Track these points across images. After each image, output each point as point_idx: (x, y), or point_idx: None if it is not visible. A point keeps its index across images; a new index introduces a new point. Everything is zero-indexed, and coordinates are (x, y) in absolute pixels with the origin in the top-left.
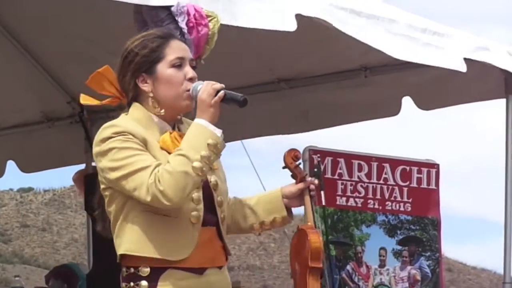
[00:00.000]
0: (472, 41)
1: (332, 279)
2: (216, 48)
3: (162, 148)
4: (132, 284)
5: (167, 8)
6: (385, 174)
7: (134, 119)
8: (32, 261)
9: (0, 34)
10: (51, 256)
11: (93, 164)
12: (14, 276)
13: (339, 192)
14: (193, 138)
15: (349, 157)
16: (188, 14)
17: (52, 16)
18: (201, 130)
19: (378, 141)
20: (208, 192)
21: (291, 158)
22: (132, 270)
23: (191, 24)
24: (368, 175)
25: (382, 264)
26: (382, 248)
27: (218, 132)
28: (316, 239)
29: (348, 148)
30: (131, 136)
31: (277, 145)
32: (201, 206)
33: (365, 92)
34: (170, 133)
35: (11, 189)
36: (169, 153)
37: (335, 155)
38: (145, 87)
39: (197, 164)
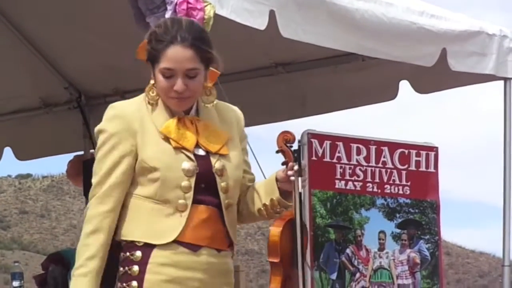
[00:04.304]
0: (469, 24)
1: (332, 262)
2: (211, 33)
3: (162, 132)
4: (126, 268)
5: None
6: (384, 157)
7: (145, 99)
8: (31, 247)
9: None
10: (50, 242)
11: (91, 150)
12: (14, 262)
13: (338, 176)
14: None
15: (348, 141)
16: (179, 2)
17: (49, 2)
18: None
19: (376, 126)
20: (210, 177)
21: (281, 141)
22: (127, 254)
23: (182, 12)
24: (367, 159)
25: (381, 248)
26: (381, 232)
27: None
28: (274, 232)
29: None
30: (114, 142)
31: (276, 130)
32: (190, 194)
33: (363, 76)
34: (179, 119)
35: (9, 176)
36: (168, 138)
37: (334, 138)
38: (152, 74)
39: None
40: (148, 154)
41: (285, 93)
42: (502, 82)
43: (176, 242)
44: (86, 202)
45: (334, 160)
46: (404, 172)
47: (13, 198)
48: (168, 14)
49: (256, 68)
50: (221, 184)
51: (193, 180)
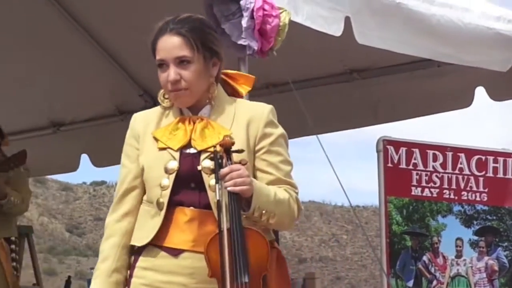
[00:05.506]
0: None
1: (409, 270)
2: (286, 40)
3: (152, 134)
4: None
5: (238, 1)
6: (461, 164)
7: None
8: None
9: (73, 28)
10: None
11: None
12: (89, 268)
13: (414, 183)
14: None
15: (424, 147)
16: (256, 8)
17: (123, 9)
18: None
19: (448, 132)
20: (197, 175)
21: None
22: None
23: (259, 19)
24: (443, 165)
25: (458, 255)
26: (458, 239)
27: None
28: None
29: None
30: (126, 150)
31: (351, 137)
32: (167, 192)
33: (438, 83)
34: (181, 119)
35: (84, 183)
36: (157, 140)
37: (410, 145)
38: None
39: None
40: (142, 157)
41: (360, 100)
42: None
43: (157, 246)
44: None
45: (410, 167)
46: (481, 179)
47: (88, 205)
48: (244, 21)
49: (331, 74)
50: (209, 182)
51: (172, 177)
